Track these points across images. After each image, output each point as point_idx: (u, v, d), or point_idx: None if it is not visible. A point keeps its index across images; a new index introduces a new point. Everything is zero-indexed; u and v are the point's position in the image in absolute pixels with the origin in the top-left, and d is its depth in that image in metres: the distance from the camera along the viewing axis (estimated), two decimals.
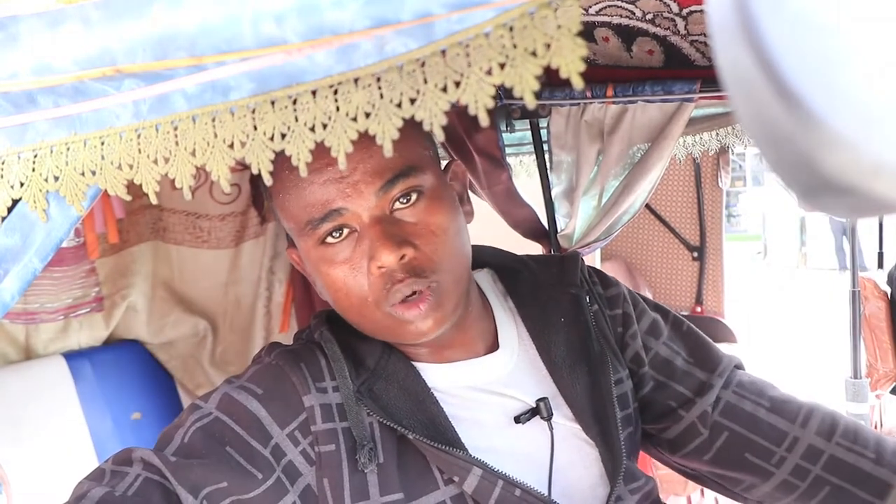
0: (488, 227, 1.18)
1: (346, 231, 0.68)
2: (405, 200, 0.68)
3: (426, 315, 0.67)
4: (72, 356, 1.38)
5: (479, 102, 0.38)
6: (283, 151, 0.44)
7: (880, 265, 3.21)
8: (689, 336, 0.88)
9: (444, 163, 0.78)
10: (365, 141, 0.64)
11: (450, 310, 0.69)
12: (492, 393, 0.75)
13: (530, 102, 0.37)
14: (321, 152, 0.44)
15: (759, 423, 0.81)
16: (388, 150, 0.41)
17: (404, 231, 0.67)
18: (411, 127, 0.68)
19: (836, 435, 0.79)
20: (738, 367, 0.87)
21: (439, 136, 0.40)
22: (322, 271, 0.69)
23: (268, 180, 0.45)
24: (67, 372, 1.35)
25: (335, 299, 0.71)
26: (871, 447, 0.78)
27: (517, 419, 0.74)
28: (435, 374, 0.74)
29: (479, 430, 0.73)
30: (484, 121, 0.38)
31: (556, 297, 0.82)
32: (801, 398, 0.84)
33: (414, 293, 0.67)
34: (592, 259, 2.71)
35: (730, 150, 2.81)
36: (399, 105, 0.41)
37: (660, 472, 1.55)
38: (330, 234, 0.67)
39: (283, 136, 0.45)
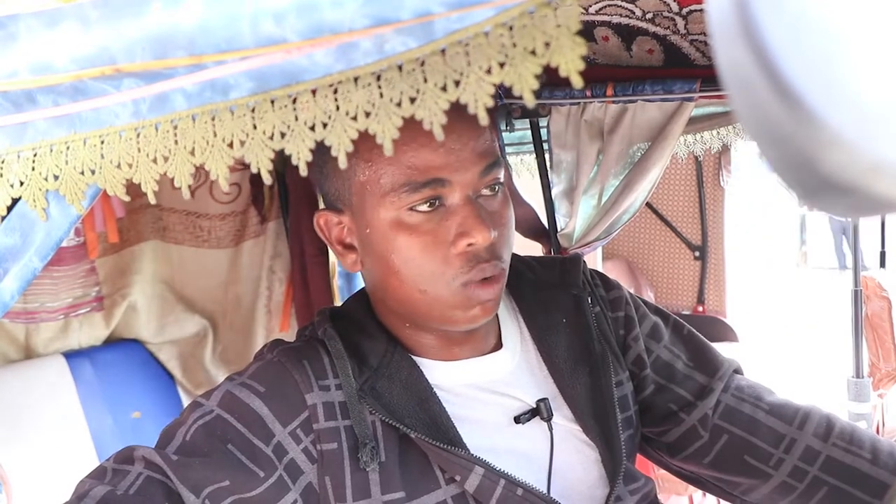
0: None
1: (436, 203, 0.68)
2: (492, 190, 0.70)
3: (494, 297, 0.70)
4: (72, 355, 1.39)
5: (479, 101, 0.38)
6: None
7: (882, 264, 3.21)
8: (690, 340, 0.88)
9: None
10: (473, 121, 0.65)
11: (501, 299, 0.72)
12: (493, 392, 0.75)
13: (530, 101, 0.37)
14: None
15: (758, 425, 0.81)
16: (388, 150, 0.41)
17: (489, 216, 0.69)
18: (493, 123, 0.70)
19: (832, 436, 0.79)
20: (737, 371, 0.87)
21: (439, 136, 0.40)
22: (398, 238, 0.68)
23: (266, 178, 0.45)
24: (67, 371, 1.35)
25: (398, 269, 0.69)
26: (868, 448, 0.78)
27: (517, 419, 0.74)
28: (438, 372, 0.74)
29: (480, 430, 0.73)
30: (483, 120, 0.38)
31: (558, 298, 0.82)
32: (797, 401, 0.84)
33: (493, 273, 0.69)
34: (594, 258, 2.71)
35: (731, 149, 2.80)
36: (399, 104, 0.41)
37: (661, 472, 1.55)
38: (422, 202, 0.67)
39: (283, 135, 0.44)
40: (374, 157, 0.67)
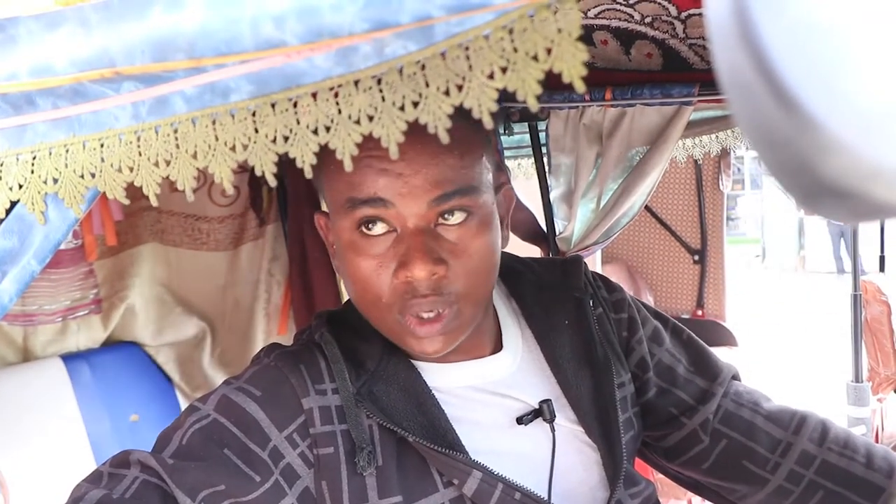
0: None
1: (385, 227, 0.66)
2: (451, 217, 0.66)
3: (435, 336, 0.67)
4: (70, 358, 1.38)
5: (483, 106, 0.38)
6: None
7: (882, 269, 3.21)
8: (690, 344, 0.88)
9: None
10: (434, 147, 0.63)
11: (461, 333, 0.69)
12: (494, 394, 0.75)
13: (533, 106, 0.37)
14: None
15: (756, 430, 0.82)
16: (395, 153, 0.41)
17: (443, 248, 0.66)
18: (481, 147, 0.68)
19: (827, 440, 0.80)
20: (735, 377, 0.88)
21: (443, 139, 0.40)
22: (349, 257, 0.68)
23: (272, 181, 0.45)
24: (65, 374, 1.35)
25: (352, 285, 0.70)
26: (862, 452, 0.79)
27: (519, 420, 0.74)
28: (437, 374, 0.74)
29: (480, 432, 0.73)
30: (488, 124, 0.38)
31: (560, 299, 0.82)
32: (793, 407, 0.85)
33: (432, 311, 0.66)
34: (593, 262, 2.71)
35: (731, 153, 2.81)
36: (402, 108, 0.41)
37: (660, 476, 1.55)
38: (367, 222, 0.66)
39: (286, 138, 0.44)
40: (332, 169, 0.67)
